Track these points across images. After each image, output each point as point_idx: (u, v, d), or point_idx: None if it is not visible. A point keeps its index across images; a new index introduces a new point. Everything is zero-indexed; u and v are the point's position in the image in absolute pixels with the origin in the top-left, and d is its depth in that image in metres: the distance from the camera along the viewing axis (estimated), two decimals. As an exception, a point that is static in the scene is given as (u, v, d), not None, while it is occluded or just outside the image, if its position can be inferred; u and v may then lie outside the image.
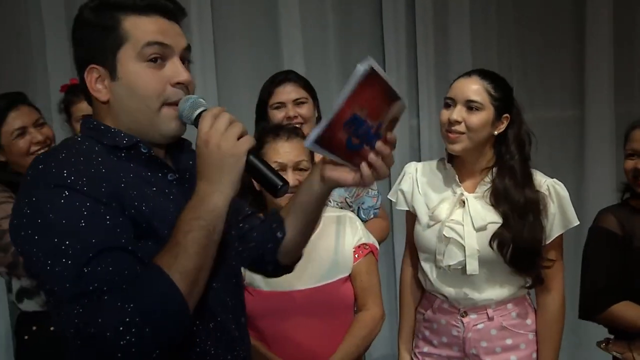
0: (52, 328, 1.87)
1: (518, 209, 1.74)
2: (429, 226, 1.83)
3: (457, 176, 1.84)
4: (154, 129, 1.14)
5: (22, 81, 2.65)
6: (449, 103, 1.80)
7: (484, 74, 1.81)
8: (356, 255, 1.84)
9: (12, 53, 2.71)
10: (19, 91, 2.10)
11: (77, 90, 2.06)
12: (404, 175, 1.94)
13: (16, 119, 2.00)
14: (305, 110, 2.16)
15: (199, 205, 1.07)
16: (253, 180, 1.49)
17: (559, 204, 1.80)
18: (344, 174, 1.18)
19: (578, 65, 2.98)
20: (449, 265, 1.78)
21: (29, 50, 2.70)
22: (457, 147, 1.77)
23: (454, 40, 2.90)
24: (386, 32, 2.87)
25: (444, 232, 1.77)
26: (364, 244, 1.85)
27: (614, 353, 1.92)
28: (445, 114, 1.79)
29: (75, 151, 1.10)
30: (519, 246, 1.72)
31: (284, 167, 1.72)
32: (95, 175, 1.06)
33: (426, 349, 1.91)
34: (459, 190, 1.82)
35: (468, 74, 1.82)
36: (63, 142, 1.18)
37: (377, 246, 1.93)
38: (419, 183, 1.89)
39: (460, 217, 1.78)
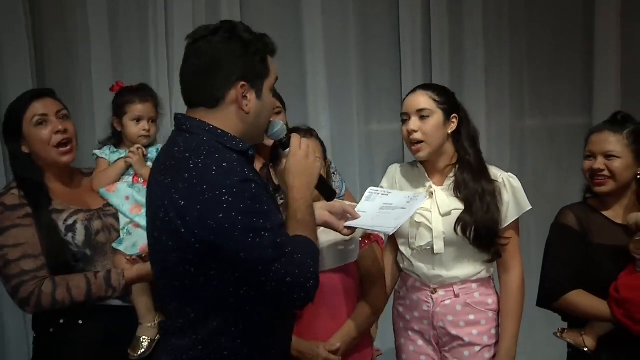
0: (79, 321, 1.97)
1: (477, 197, 2.00)
2: None
3: (426, 173, 2.11)
4: (257, 139, 1.59)
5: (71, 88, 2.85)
6: (405, 118, 2.08)
7: (426, 86, 2.12)
8: (362, 245, 2.05)
9: (62, 63, 2.94)
10: (49, 88, 2.15)
11: (133, 91, 2.20)
12: (386, 175, 2.21)
13: (38, 107, 2.01)
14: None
15: (303, 197, 1.55)
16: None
17: (512, 192, 2.05)
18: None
19: (587, 74, 3.08)
20: (420, 246, 2.05)
21: (77, 60, 2.92)
22: (422, 155, 2.06)
23: (468, 54, 3.04)
24: (403, 50, 3.02)
25: (415, 218, 2.04)
26: (369, 234, 2.07)
27: (568, 340, 2.07)
28: (404, 129, 2.07)
29: (226, 154, 1.45)
30: (479, 227, 1.99)
31: None
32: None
33: (401, 324, 2.16)
34: (428, 184, 2.10)
35: (413, 90, 2.11)
36: (204, 146, 1.46)
37: (383, 237, 2.15)
38: (397, 180, 2.17)
39: (429, 205, 2.05)
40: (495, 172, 2.09)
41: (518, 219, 2.08)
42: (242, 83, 1.48)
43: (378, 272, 2.07)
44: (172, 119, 2.78)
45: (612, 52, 3.00)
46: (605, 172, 2.03)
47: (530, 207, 2.07)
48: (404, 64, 3.03)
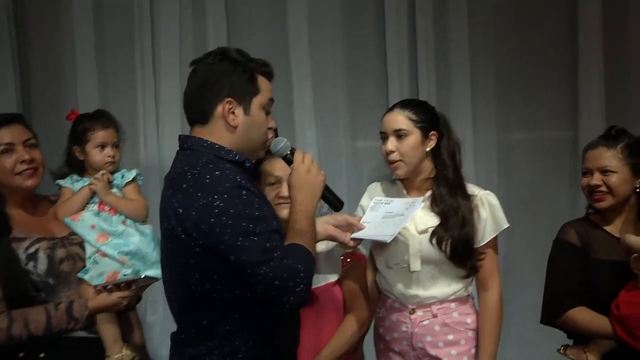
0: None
1: (452, 211, 2.00)
2: None
3: (404, 190, 2.11)
4: (255, 154, 1.70)
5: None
6: (383, 137, 2.08)
7: (403, 104, 2.09)
8: (344, 264, 2.05)
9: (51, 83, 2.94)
10: (19, 113, 2.14)
11: (93, 118, 2.16)
12: (366, 192, 2.21)
13: (5, 135, 1.99)
14: None
15: (304, 209, 1.62)
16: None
17: (490, 210, 2.05)
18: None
19: (572, 88, 3.09)
20: (397, 264, 2.04)
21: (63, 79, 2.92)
22: (399, 173, 2.07)
23: (454, 69, 3.05)
24: (390, 65, 3.02)
25: None
26: (352, 252, 2.07)
27: (571, 357, 2.05)
28: (383, 148, 2.07)
29: (220, 164, 1.56)
30: (455, 242, 1.98)
31: (279, 180, 1.94)
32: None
33: (382, 345, 2.15)
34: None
35: (391, 109, 2.10)
36: (201, 159, 1.58)
37: (365, 255, 2.16)
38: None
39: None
40: (473, 189, 2.09)
41: (496, 236, 2.07)
42: (229, 99, 1.61)
43: (362, 290, 2.06)
44: (159, 142, 2.86)
45: (595, 66, 3.02)
46: (603, 188, 2.03)
47: (508, 225, 2.07)
48: (390, 79, 3.03)
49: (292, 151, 1.73)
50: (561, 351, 2.10)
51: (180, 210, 1.52)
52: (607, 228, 2.08)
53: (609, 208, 2.05)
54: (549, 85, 3.14)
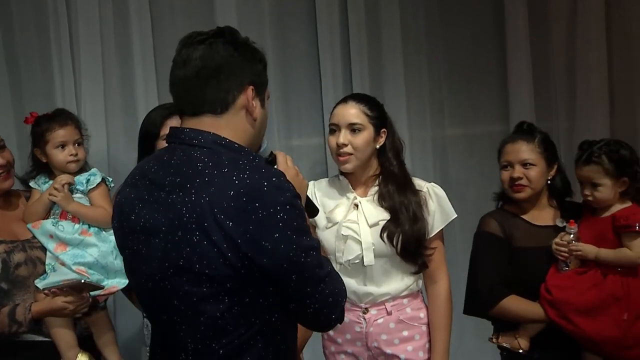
0: None
1: (402, 207, 1.98)
2: (327, 228, 2.04)
3: (350, 185, 2.07)
4: (254, 149, 1.44)
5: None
6: (334, 129, 2.03)
7: (358, 98, 2.06)
8: None
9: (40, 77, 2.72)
10: None
11: (50, 118, 2.08)
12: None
13: None
14: None
15: None
16: None
17: (437, 202, 2.05)
18: None
19: (502, 84, 3.16)
20: (349, 260, 1.99)
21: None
22: (348, 167, 2.02)
23: (387, 66, 3.05)
24: (322, 64, 2.99)
25: (342, 232, 1.99)
26: None
27: (504, 344, 2.11)
28: (333, 140, 2.03)
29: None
30: (406, 238, 1.95)
31: None
32: None
33: (333, 347, 2.09)
34: (352, 196, 2.05)
35: (344, 100, 2.06)
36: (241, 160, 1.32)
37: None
38: (316, 196, 2.10)
39: (355, 217, 2.01)
40: (420, 183, 2.09)
41: (443, 229, 2.07)
42: (252, 87, 1.38)
43: None
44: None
45: (523, 62, 3.10)
46: (523, 181, 2.10)
47: (456, 216, 2.08)
48: (323, 77, 2.99)
49: (273, 153, 1.54)
50: (493, 340, 2.15)
51: (230, 223, 1.23)
52: (525, 217, 2.16)
53: (528, 198, 2.13)
54: (480, 81, 3.20)
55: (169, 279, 1.31)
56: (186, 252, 1.27)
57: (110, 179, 2.15)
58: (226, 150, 1.33)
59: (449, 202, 2.08)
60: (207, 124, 1.35)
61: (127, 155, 2.73)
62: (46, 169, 2.11)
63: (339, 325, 1.41)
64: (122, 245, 1.43)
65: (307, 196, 1.54)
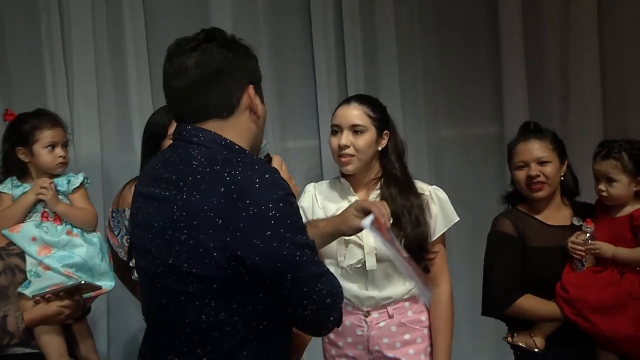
0: None
1: (405, 211, 1.97)
2: None
3: (351, 188, 2.05)
4: (256, 150, 1.43)
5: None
6: (336, 130, 2.02)
7: (361, 99, 2.05)
8: None
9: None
10: None
11: (38, 116, 2.02)
12: (304, 194, 2.12)
13: None
14: None
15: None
16: None
17: (440, 205, 2.04)
18: None
19: (496, 85, 3.18)
20: (351, 265, 1.97)
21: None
22: (350, 168, 2.00)
23: (382, 67, 3.05)
24: (317, 65, 2.98)
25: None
26: None
27: (520, 344, 2.10)
28: (334, 141, 2.01)
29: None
30: (409, 241, 1.94)
31: None
32: None
33: (334, 351, 2.08)
34: (353, 199, 2.02)
35: (347, 101, 2.06)
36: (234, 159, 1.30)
37: None
38: (317, 199, 2.09)
39: None
40: (422, 186, 2.08)
41: (445, 232, 2.07)
42: (252, 85, 1.36)
43: None
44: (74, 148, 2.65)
45: (517, 63, 3.11)
46: (542, 178, 2.08)
47: (458, 219, 2.07)
48: (318, 79, 2.98)
49: (269, 156, 1.53)
50: (508, 339, 2.15)
51: (220, 221, 1.21)
52: (538, 217, 2.15)
53: (546, 197, 2.11)
54: (474, 83, 3.21)
55: (159, 277, 1.31)
56: (175, 251, 1.26)
57: (89, 180, 2.10)
58: (225, 150, 1.31)
59: (451, 206, 2.07)
60: (211, 127, 1.33)
61: (120, 157, 2.72)
62: (18, 170, 2.02)
63: (337, 328, 1.39)
64: (132, 242, 1.46)
65: None
